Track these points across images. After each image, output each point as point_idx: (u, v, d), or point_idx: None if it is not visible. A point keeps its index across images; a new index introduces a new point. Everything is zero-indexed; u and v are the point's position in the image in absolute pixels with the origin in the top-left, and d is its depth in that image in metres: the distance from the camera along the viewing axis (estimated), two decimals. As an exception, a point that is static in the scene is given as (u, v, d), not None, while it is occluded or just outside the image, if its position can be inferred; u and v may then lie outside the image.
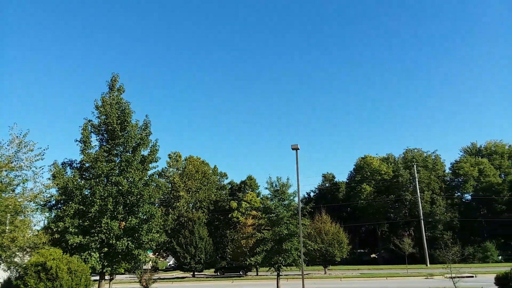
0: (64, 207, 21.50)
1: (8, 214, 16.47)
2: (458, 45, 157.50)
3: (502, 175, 77.90)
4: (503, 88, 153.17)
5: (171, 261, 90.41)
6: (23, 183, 16.62)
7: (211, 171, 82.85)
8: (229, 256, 65.94)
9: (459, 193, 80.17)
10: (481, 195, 74.08)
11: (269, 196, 30.04)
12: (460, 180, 78.67)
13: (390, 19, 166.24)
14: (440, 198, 73.11)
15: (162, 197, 69.88)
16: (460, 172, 76.80)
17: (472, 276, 36.09)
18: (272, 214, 28.38)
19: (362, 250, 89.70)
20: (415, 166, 70.81)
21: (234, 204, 74.24)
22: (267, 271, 31.28)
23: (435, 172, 77.86)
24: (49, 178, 20.28)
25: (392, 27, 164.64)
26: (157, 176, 26.41)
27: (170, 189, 74.21)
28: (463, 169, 76.01)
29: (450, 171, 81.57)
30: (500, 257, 66.24)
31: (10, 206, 15.56)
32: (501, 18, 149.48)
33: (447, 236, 65.94)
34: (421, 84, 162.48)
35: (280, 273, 28.43)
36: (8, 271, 17.52)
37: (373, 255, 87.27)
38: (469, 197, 79.95)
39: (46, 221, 22.34)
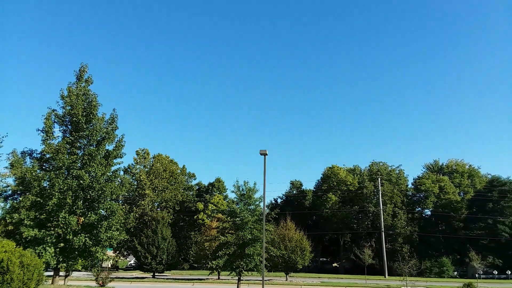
0: (21, 198, 20.69)
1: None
2: (426, 62, 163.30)
3: (461, 193, 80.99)
4: (468, 109, 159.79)
5: (132, 260, 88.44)
6: (-22, 170, 15.80)
7: (179, 171, 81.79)
8: (192, 258, 65.19)
9: (419, 208, 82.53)
10: (440, 211, 76.60)
11: (235, 199, 29.95)
12: (421, 195, 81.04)
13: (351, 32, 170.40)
14: (401, 212, 75.04)
15: (126, 194, 68.40)
16: (421, 187, 79.14)
17: (427, 290, 37.13)
18: (237, 218, 28.32)
19: (324, 259, 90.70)
20: (379, 179, 72.43)
21: (200, 205, 73.57)
22: (228, 275, 31.08)
23: (398, 186, 79.91)
24: (6, 167, 19.49)
25: (355, 42, 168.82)
26: (121, 172, 25.93)
27: (135, 186, 72.73)
28: (425, 185, 78.38)
29: (413, 186, 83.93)
30: (455, 272, 68.50)
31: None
32: (460, 38, 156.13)
33: (406, 249, 67.71)
34: (391, 98, 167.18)
35: (242, 278, 28.34)
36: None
37: (335, 264, 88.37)
38: (429, 213, 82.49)
39: (0, 212, 21.40)
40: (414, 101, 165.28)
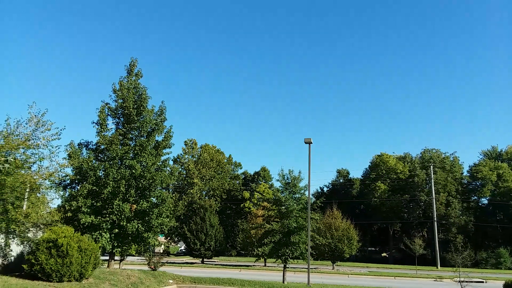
0: (79, 187, 21.98)
1: (26, 191, 16.89)
2: (480, 47, 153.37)
3: (522, 181, 75.99)
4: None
5: (182, 246, 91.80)
6: (40, 161, 16.94)
7: (225, 160, 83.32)
8: (239, 245, 66.51)
9: (475, 197, 78.67)
10: (498, 200, 72.54)
11: (281, 188, 30.02)
12: (477, 183, 77.16)
13: (407, 18, 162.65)
14: (456, 201, 71.90)
15: (176, 183, 70.72)
16: (478, 175, 75.29)
17: (482, 282, 35.55)
18: (282, 207, 28.39)
19: (372, 248, 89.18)
20: (432, 166, 69.66)
21: (246, 194, 74.63)
22: (274, 262, 31.43)
23: (453, 174, 76.50)
24: (64, 158, 20.67)
25: (410, 26, 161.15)
26: (171, 162, 26.73)
27: (184, 175, 75.02)
28: (482, 173, 74.48)
29: (468, 174, 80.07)
30: (513, 264, 64.91)
31: (26, 183, 15.94)
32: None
33: (460, 240, 64.92)
34: (443, 84, 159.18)
35: (288, 266, 28.52)
36: (21, 245, 18.02)
37: (383, 254, 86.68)
38: (486, 202, 78.43)
39: (60, 200, 22.86)
40: (469, 85, 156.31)
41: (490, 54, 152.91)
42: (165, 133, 24.95)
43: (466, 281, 26.71)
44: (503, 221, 72.60)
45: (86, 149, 23.69)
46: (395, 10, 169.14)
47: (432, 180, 67.10)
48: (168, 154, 25.34)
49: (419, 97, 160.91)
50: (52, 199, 19.23)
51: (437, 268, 57.48)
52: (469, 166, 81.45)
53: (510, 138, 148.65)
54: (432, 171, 68.33)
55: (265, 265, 49.20)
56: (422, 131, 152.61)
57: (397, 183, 77.85)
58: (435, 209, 64.89)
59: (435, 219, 64.02)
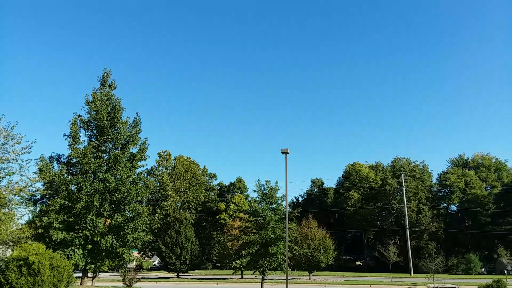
0: (49, 202, 21.31)
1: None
2: (448, 55, 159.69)
3: (488, 188, 78.87)
4: (492, 101, 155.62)
5: (156, 260, 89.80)
6: (9, 176, 16.37)
7: (200, 172, 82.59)
8: (215, 258, 65.65)
9: (445, 204, 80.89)
10: (466, 207, 74.87)
11: (257, 199, 30.01)
12: (446, 191, 79.43)
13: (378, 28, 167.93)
14: (426, 208, 73.70)
15: (149, 195, 69.46)
16: (447, 183, 77.57)
17: (455, 287, 36.37)
18: (260, 217, 28.38)
19: (347, 257, 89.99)
20: (403, 175, 71.32)
21: (222, 205, 74.06)
22: (252, 274, 31.22)
23: (423, 182, 78.51)
24: (35, 172, 20.06)
25: (379, 37, 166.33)
26: (145, 175, 26.29)
27: (158, 188, 73.81)
28: (450, 180, 76.79)
29: (437, 182, 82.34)
30: (483, 269, 66.89)
31: (-6, 199, 15.32)
32: (486, 30, 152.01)
33: (432, 246, 66.44)
34: (412, 94, 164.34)
35: (265, 277, 28.40)
36: (-11, 264, 17.20)
37: (358, 262, 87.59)
38: (455, 208, 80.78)
39: (30, 216, 22.08)
40: (437, 94, 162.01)
41: (457, 62, 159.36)
42: (140, 145, 24.62)
43: (440, 287, 27.30)
44: (471, 227, 74.89)
45: (57, 162, 23.08)
46: (356, 21, 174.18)
47: (404, 188, 68.65)
48: (144, 166, 25.01)
49: (389, 106, 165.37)
50: (22, 215, 18.57)
51: (410, 275, 58.50)
52: (438, 174, 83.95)
53: (477, 146, 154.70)
54: (403, 180, 69.96)
55: (242, 277, 48.74)
56: (393, 140, 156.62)
57: (370, 192, 79.22)
58: (407, 217, 66.30)
59: (407, 226, 65.38)
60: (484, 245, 71.02)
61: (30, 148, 17.35)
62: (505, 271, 50.91)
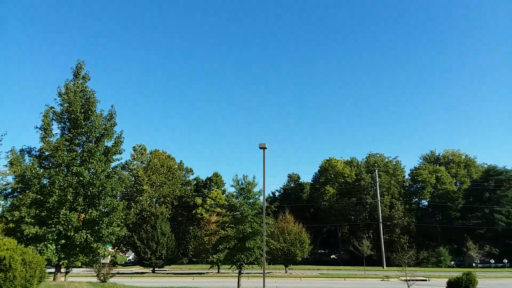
0: (21, 196, 20.66)
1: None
2: (422, 55, 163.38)
3: (458, 184, 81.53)
4: (463, 99, 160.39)
5: (131, 256, 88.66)
6: (-22, 169, 15.76)
7: (176, 166, 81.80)
8: (192, 252, 65.38)
9: (417, 199, 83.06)
10: (437, 202, 77.14)
11: (235, 193, 29.96)
12: (418, 186, 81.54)
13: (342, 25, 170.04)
14: (399, 203, 75.48)
15: (124, 190, 68.33)
16: (418, 178, 79.61)
17: (426, 280, 37.49)
18: (237, 212, 28.35)
19: (323, 251, 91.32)
20: (376, 170, 72.73)
21: (198, 200, 73.68)
22: (228, 268, 31.23)
23: (395, 177, 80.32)
24: (5, 165, 19.44)
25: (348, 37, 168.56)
26: (120, 169, 25.81)
27: (133, 182, 72.70)
28: (422, 176, 78.83)
29: (409, 177, 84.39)
30: (452, 262, 69.22)
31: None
32: (461, 26, 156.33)
33: (404, 240, 68.17)
34: (384, 90, 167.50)
35: (242, 271, 28.46)
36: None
37: (333, 256, 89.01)
38: (426, 203, 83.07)
39: (0, 210, 21.38)
40: (410, 92, 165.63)
41: (429, 60, 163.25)
42: (115, 139, 24.09)
43: (412, 280, 28.06)
44: (442, 221, 77.24)
45: (29, 155, 22.35)
46: (335, 18, 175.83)
47: (377, 183, 70.07)
48: (119, 160, 24.50)
49: (364, 102, 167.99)
50: (-8, 210, 17.93)
51: (383, 268, 59.92)
52: (410, 170, 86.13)
53: (447, 143, 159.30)
54: (377, 175, 71.37)
55: (218, 272, 48.72)
56: (367, 136, 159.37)
57: (345, 187, 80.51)
58: (380, 211, 67.73)
59: (381, 220, 66.81)
60: (454, 239, 73.46)
61: (1, 141, 16.80)
62: (474, 264, 52.78)
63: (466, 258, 67.01)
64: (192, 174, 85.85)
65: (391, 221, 73.27)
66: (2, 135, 16.42)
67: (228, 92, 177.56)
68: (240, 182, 29.32)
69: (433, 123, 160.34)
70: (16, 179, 20.60)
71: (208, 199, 72.14)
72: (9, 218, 19.46)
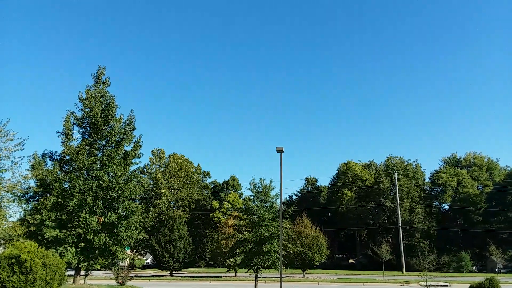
0: (42, 200, 21.07)
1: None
2: (442, 57, 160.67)
3: (480, 187, 79.61)
4: (485, 101, 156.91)
5: (148, 258, 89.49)
6: (1, 173, 16.20)
7: (194, 170, 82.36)
8: (208, 256, 65.51)
9: (437, 203, 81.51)
10: (458, 206, 75.51)
11: (252, 197, 29.98)
12: (439, 189, 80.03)
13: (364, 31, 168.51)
14: (419, 207, 74.20)
15: (143, 193, 69.15)
16: (439, 182, 78.13)
17: (447, 285, 36.68)
18: (254, 216, 28.36)
19: (340, 255, 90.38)
20: (396, 174, 71.71)
21: (216, 203, 73.95)
22: (245, 272, 31.22)
23: (415, 180, 79.04)
24: (28, 169, 19.85)
25: (371, 39, 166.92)
26: (139, 172, 26.10)
27: (151, 186, 73.48)
28: (442, 179, 77.34)
29: (430, 181, 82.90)
30: (474, 267, 67.55)
31: (-15, 196, 15.15)
32: (480, 32, 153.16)
33: (424, 244, 66.95)
34: (406, 93, 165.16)
35: (259, 275, 28.40)
36: (-20, 262, 16.98)
37: (351, 260, 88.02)
38: (447, 207, 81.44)
39: (22, 213, 21.86)
40: (430, 94, 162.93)
41: (450, 62, 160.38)
42: (134, 143, 24.42)
43: (432, 285, 27.55)
44: (463, 225, 75.54)
45: (50, 160, 22.83)
46: (348, 21, 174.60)
47: (396, 187, 69.06)
48: (138, 164, 24.83)
49: (383, 106, 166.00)
50: (15, 213, 18.37)
51: (402, 273, 58.91)
52: (430, 173, 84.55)
53: (469, 145, 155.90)
54: (396, 178, 70.34)
55: (235, 276, 48.72)
56: (386, 139, 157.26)
57: (363, 190, 79.58)
58: (399, 215, 66.70)
59: (400, 224, 65.77)
60: (476, 243, 71.71)
61: (23, 145, 17.21)
62: (496, 269, 51.38)
63: (489, 263, 65.28)
64: (209, 177, 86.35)
65: (410, 225, 72.06)
66: (24, 140, 16.84)
67: (246, 95, 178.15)
68: (257, 186, 29.35)
69: (454, 125, 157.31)
70: (38, 183, 21.07)
71: (225, 202, 72.32)
72: (30, 222, 19.86)
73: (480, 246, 70.63)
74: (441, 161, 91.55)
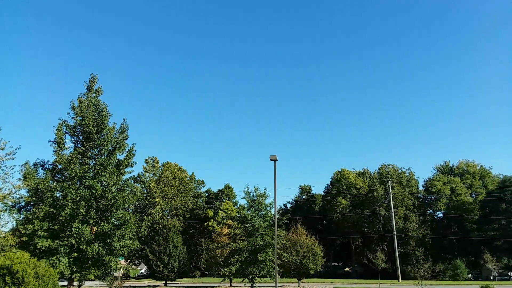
0: (34, 209, 20.83)
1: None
2: (433, 63, 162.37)
3: (473, 195, 79.95)
4: (477, 109, 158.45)
5: (143, 268, 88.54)
6: (-8, 182, 15.95)
7: (188, 178, 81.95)
8: (203, 265, 64.95)
9: (431, 210, 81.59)
10: (452, 213, 75.66)
11: (246, 206, 29.91)
12: (432, 197, 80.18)
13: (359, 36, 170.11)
14: (413, 215, 74.23)
15: (136, 203, 68.63)
16: (433, 189, 78.34)
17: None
18: (248, 224, 28.27)
19: (336, 264, 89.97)
20: (389, 182, 71.81)
21: (210, 212, 73.52)
22: (241, 281, 30.97)
23: (409, 188, 79.17)
24: (19, 179, 19.64)
25: (366, 46, 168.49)
26: (132, 181, 25.90)
27: (145, 195, 72.95)
28: (436, 187, 77.57)
29: (423, 188, 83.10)
30: (469, 275, 67.50)
31: (-24, 206, 14.92)
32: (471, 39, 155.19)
33: (419, 253, 66.88)
34: (398, 101, 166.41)
35: (254, 284, 28.20)
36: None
37: (346, 269, 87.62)
38: (441, 215, 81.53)
39: (14, 223, 21.55)
40: (422, 102, 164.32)
41: (442, 70, 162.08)
42: (127, 151, 24.28)
43: (428, 293, 27.43)
44: (458, 233, 75.61)
45: (42, 169, 22.62)
46: (344, 26, 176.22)
47: (390, 195, 69.09)
48: (131, 173, 24.66)
49: (376, 114, 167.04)
50: (6, 223, 18.11)
51: (398, 281, 58.69)
52: (424, 181, 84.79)
53: (461, 153, 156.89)
54: (390, 186, 70.42)
55: (230, 285, 48.22)
56: (380, 147, 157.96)
57: (357, 198, 79.53)
58: (394, 223, 66.64)
59: (395, 232, 65.68)
60: (470, 251, 71.79)
61: (14, 154, 17.05)
62: (492, 277, 51.44)
63: (484, 271, 65.29)
64: (204, 186, 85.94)
65: (405, 233, 72.00)
66: (15, 149, 16.67)
67: (239, 104, 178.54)
68: (251, 194, 29.32)
69: (447, 133, 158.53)
70: (30, 193, 20.84)
71: (219, 211, 71.96)
72: (22, 232, 19.61)
73: (474, 254, 70.70)
74: (434, 169, 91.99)
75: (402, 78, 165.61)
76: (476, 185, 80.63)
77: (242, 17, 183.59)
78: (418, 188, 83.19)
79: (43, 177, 21.44)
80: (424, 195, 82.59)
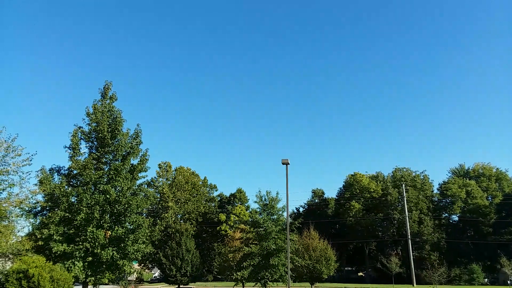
0: (50, 214, 21.19)
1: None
2: (447, 65, 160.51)
3: (489, 198, 78.52)
4: (493, 111, 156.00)
5: (156, 272, 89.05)
6: (9, 188, 16.34)
7: (200, 183, 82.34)
8: (216, 269, 64.98)
9: (446, 214, 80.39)
10: (468, 217, 74.45)
11: (258, 210, 29.93)
12: (447, 201, 79.01)
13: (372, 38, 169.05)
14: (427, 218, 73.25)
15: (150, 207, 69.18)
16: (448, 193, 77.22)
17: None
18: (261, 228, 28.26)
19: (349, 268, 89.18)
20: (403, 185, 71.02)
21: (222, 216, 73.69)
22: (253, 286, 30.95)
23: (423, 192, 78.16)
24: (35, 184, 20.04)
25: (380, 49, 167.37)
26: (145, 186, 26.20)
27: (158, 199, 73.48)
28: (451, 190, 76.45)
29: (438, 192, 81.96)
30: (486, 279, 66.27)
31: (-6, 211, 15.26)
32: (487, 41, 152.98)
33: (434, 257, 65.93)
34: (412, 104, 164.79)
35: (266, 289, 28.17)
36: (-11, 277, 17.07)
37: (360, 273, 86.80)
38: (456, 218, 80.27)
39: (30, 228, 21.96)
40: (438, 104, 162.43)
41: (456, 72, 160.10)
42: (141, 157, 24.59)
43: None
44: (473, 237, 74.31)
45: (58, 174, 23.02)
46: (354, 30, 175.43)
47: (405, 199, 68.29)
48: (144, 177, 24.96)
49: (389, 116, 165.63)
50: (23, 227, 18.48)
51: (413, 286, 57.94)
52: (438, 184, 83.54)
53: (477, 156, 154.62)
54: (404, 190, 69.62)
55: (243, 289, 48.26)
56: (393, 150, 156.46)
57: (371, 202, 78.80)
58: (408, 227, 65.84)
59: (409, 237, 64.86)
60: (487, 255, 70.46)
61: (31, 160, 17.41)
62: (509, 282, 50.42)
63: (500, 275, 64.05)
64: (216, 190, 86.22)
65: (420, 237, 71.07)
66: (32, 155, 17.05)
67: (251, 108, 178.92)
68: (263, 198, 29.33)
69: (462, 136, 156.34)
70: (45, 198, 21.23)
71: (232, 215, 72.08)
72: (38, 236, 19.96)
73: (491, 258, 69.37)
74: (449, 172, 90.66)
75: (416, 80, 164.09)
76: (492, 188, 79.23)
77: (258, 24, 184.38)
78: (432, 191, 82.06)
79: (59, 182, 21.84)
80: (439, 199, 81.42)
